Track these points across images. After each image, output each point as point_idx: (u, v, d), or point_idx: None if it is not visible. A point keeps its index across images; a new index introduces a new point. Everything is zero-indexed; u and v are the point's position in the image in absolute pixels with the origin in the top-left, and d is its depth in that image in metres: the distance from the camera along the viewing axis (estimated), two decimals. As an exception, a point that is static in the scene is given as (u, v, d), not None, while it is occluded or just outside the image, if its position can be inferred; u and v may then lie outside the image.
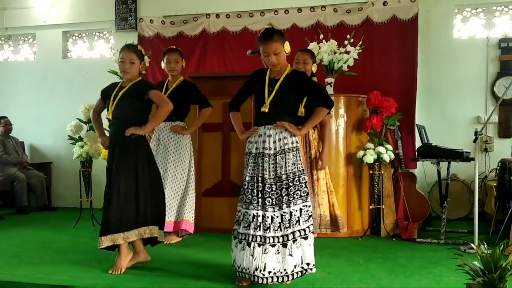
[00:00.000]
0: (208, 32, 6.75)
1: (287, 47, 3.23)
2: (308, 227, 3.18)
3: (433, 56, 6.19)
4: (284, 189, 3.16)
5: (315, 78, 4.22)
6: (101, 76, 6.55)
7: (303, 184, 3.21)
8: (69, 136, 5.53)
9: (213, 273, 3.49)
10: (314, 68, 4.29)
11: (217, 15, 6.74)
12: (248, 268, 3.11)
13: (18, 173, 6.69)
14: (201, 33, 6.78)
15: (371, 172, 4.88)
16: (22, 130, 7.32)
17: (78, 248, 4.34)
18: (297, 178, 3.19)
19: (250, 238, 3.11)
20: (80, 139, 5.47)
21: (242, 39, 6.53)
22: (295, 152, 3.23)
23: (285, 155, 3.20)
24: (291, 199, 3.16)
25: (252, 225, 3.12)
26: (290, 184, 3.17)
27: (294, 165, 3.20)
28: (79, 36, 7.64)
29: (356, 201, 4.98)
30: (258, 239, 3.10)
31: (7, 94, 7.69)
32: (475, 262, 2.44)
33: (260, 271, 3.07)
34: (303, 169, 3.24)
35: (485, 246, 2.49)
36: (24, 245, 4.49)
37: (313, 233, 3.23)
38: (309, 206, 3.21)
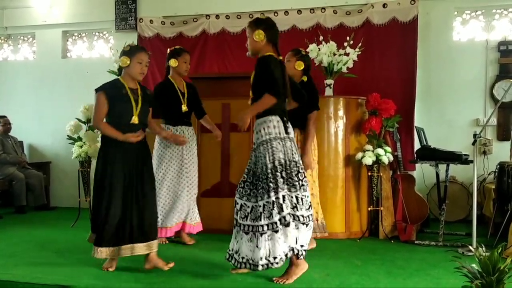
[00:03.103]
0: (207, 32, 6.76)
1: (257, 35, 3.35)
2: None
3: (433, 59, 6.20)
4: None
5: (305, 78, 4.20)
6: (101, 76, 6.49)
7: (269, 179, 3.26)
8: (68, 136, 5.53)
9: (213, 273, 3.49)
10: (298, 66, 4.18)
11: (217, 16, 6.75)
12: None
13: (16, 173, 6.69)
14: (200, 34, 6.78)
15: (369, 174, 4.88)
16: (21, 130, 7.32)
17: (76, 248, 4.34)
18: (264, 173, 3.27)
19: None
20: (79, 139, 5.47)
21: (242, 40, 6.41)
22: (265, 145, 3.28)
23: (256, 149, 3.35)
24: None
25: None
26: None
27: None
28: (79, 36, 7.65)
29: (355, 203, 4.98)
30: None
31: (7, 93, 7.69)
32: (473, 265, 2.44)
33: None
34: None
35: (483, 248, 2.49)
36: (22, 245, 4.48)
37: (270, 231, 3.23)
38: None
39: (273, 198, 3.20)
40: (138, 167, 3.52)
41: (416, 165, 5.88)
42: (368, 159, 4.76)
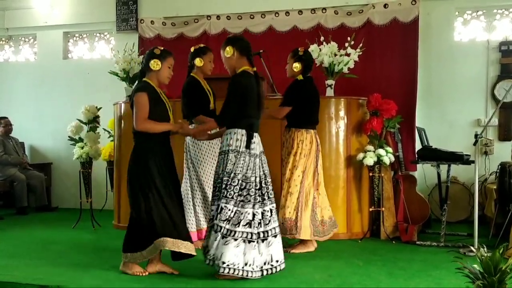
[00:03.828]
0: (208, 33, 6.76)
1: (226, 51, 3.51)
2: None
3: (434, 59, 6.19)
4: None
5: (300, 77, 4.28)
6: (102, 77, 6.57)
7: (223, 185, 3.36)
8: (69, 137, 5.53)
9: (212, 273, 3.49)
10: (295, 68, 4.25)
11: (218, 17, 6.75)
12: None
13: (18, 174, 6.70)
14: (201, 35, 6.78)
15: (371, 174, 4.88)
16: (23, 131, 7.33)
17: (77, 249, 4.34)
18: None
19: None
20: (80, 140, 5.47)
21: (243, 41, 6.52)
22: (223, 155, 3.41)
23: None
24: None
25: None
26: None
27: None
28: (80, 37, 7.65)
29: (356, 204, 4.98)
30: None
31: (8, 94, 7.70)
32: (475, 265, 2.44)
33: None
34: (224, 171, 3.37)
35: (485, 249, 2.49)
36: (24, 246, 4.49)
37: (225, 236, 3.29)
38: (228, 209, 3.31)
39: (221, 204, 3.32)
40: (172, 170, 3.58)
41: (418, 165, 5.87)
42: (370, 160, 4.76)
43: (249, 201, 3.35)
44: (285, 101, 4.30)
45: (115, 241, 4.62)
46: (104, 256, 4.05)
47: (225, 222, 3.29)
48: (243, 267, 3.27)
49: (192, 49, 4.39)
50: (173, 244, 3.37)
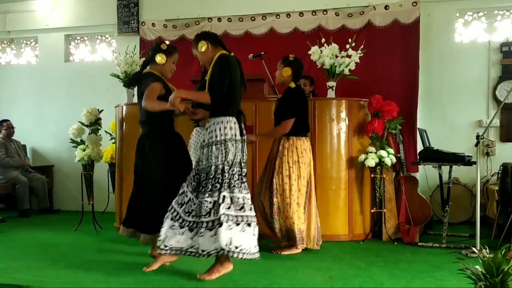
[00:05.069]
0: (210, 35, 6.76)
1: (200, 46, 3.50)
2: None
3: (435, 60, 6.19)
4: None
5: (292, 84, 4.27)
6: (103, 80, 6.59)
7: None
8: (71, 139, 5.53)
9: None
10: (284, 73, 4.26)
11: (219, 19, 6.76)
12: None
13: (20, 176, 6.71)
14: (203, 37, 6.78)
15: (372, 175, 4.88)
16: (24, 133, 7.34)
17: (79, 252, 4.34)
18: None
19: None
20: (82, 142, 5.47)
21: (244, 43, 6.54)
22: (219, 145, 3.38)
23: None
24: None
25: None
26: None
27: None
28: (81, 39, 7.67)
29: (358, 205, 4.97)
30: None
31: (9, 97, 7.72)
32: (477, 266, 2.44)
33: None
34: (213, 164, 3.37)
35: (487, 250, 2.49)
36: (25, 248, 4.49)
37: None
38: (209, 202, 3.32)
39: (216, 198, 3.30)
40: (181, 154, 3.79)
41: (419, 166, 5.87)
42: (371, 161, 4.76)
43: (236, 186, 3.38)
44: (287, 113, 4.21)
45: (117, 243, 4.64)
46: (106, 258, 4.05)
47: (237, 210, 3.31)
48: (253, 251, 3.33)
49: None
50: None
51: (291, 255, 4.15)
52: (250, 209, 3.38)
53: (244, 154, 3.47)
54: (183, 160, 3.79)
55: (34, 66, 7.78)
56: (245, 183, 3.45)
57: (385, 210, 4.90)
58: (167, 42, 3.77)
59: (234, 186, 3.35)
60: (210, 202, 3.30)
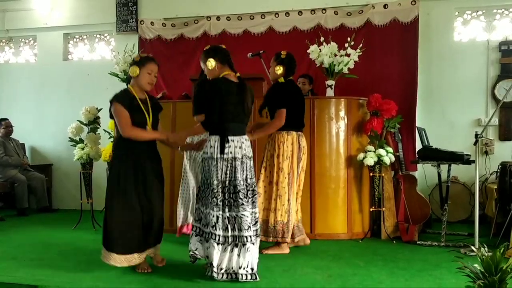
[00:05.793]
0: (208, 34, 6.77)
1: (209, 64, 3.50)
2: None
3: (434, 59, 6.20)
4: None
5: (281, 79, 4.23)
6: (102, 78, 6.58)
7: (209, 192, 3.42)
8: (69, 138, 5.53)
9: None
10: (277, 71, 4.23)
11: (218, 18, 6.76)
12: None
13: (18, 175, 6.70)
14: (201, 36, 6.79)
15: (371, 174, 4.88)
16: (23, 132, 7.34)
17: (78, 250, 4.34)
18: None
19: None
20: (81, 141, 5.47)
21: (243, 42, 6.54)
22: (203, 162, 3.50)
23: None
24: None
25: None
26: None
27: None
28: (80, 38, 7.66)
29: (357, 204, 4.98)
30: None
31: (8, 96, 7.71)
32: (476, 265, 2.44)
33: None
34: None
35: (486, 248, 2.49)
36: (25, 247, 4.49)
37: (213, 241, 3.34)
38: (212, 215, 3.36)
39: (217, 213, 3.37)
40: (148, 171, 3.52)
41: (418, 165, 5.88)
42: (370, 160, 4.76)
43: (230, 205, 3.38)
44: (275, 105, 4.15)
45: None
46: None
47: (225, 230, 3.34)
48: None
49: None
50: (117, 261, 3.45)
51: (287, 255, 4.14)
52: (247, 229, 3.37)
53: (225, 173, 3.41)
54: (142, 182, 3.50)
55: (33, 65, 7.77)
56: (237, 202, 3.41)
57: (384, 208, 4.90)
58: (143, 54, 3.61)
59: (229, 205, 3.39)
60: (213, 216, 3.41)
